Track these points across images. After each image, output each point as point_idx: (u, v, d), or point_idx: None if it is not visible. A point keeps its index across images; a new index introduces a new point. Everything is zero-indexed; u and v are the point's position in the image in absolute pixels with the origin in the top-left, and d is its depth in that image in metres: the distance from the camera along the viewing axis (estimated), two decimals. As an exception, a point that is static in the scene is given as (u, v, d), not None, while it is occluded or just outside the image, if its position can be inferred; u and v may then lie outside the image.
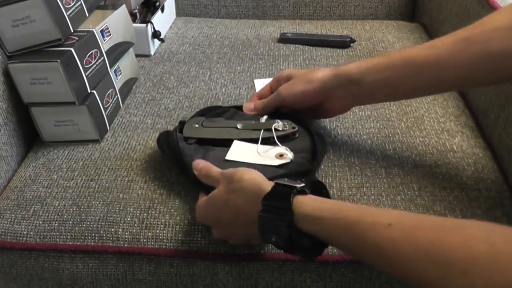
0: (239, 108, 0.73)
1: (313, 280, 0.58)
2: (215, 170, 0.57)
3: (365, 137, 0.71)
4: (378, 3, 1.14)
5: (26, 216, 0.61)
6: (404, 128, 0.73)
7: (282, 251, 0.50)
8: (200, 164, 0.59)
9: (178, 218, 0.60)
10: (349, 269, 0.58)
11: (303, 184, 0.48)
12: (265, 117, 0.68)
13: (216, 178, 0.55)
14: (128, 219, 0.60)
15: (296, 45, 0.97)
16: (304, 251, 0.47)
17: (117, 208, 0.61)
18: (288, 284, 0.59)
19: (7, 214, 0.62)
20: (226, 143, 0.65)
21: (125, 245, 0.59)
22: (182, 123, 0.68)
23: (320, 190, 0.51)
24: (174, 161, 0.64)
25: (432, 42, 0.58)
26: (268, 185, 0.49)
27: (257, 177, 0.52)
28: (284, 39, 0.98)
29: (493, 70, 0.55)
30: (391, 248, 0.39)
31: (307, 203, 0.46)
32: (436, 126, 0.73)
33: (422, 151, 0.68)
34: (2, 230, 0.61)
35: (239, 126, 0.67)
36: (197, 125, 0.67)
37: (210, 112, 0.71)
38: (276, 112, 0.70)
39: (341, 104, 0.66)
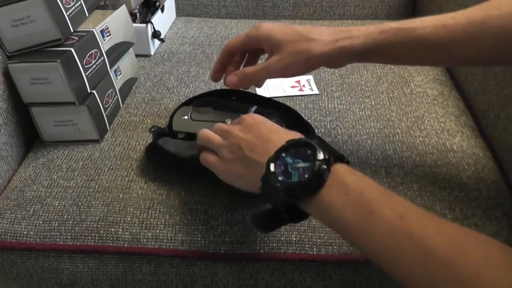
0: (224, 93, 0.72)
1: (313, 280, 0.58)
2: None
3: (365, 137, 0.71)
4: (378, 3, 1.14)
5: (26, 216, 0.61)
6: (404, 128, 0.73)
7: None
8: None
9: (178, 218, 0.60)
10: (349, 269, 0.58)
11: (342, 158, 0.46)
12: (253, 108, 0.68)
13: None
14: (128, 219, 0.60)
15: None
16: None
17: (117, 208, 0.61)
18: (288, 284, 0.59)
19: (7, 214, 0.62)
20: None
21: (125, 245, 0.59)
22: (170, 122, 0.69)
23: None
24: (171, 166, 0.65)
25: (444, 20, 0.55)
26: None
27: None
28: (284, 39, 0.98)
29: (506, 53, 0.54)
30: (394, 240, 0.38)
31: (340, 170, 0.43)
32: (436, 126, 0.73)
33: (422, 151, 0.68)
34: (2, 230, 0.61)
35: (227, 122, 0.67)
36: (186, 117, 0.67)
37: (197, 101, 0.72)
38: (263, 104, 0.70)
39: (338, 66, 0.62)
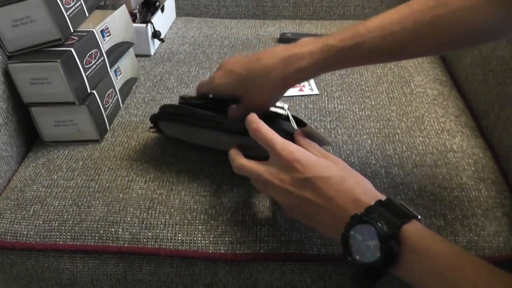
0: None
1: (313, 280, 0.58)
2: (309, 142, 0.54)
3: (365, 137, 0.71)
4: (378, 3, 1.14)
5: (26, 216, 0.61)
6: (404, 128, 0.73)
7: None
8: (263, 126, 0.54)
9: (178, 218, 0.60)
10: (349, 269, 0.58)
11: (418, 217, 0.45)
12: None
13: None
14: (128, 219, 0.60)
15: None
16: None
17: (117, 208, 0.61)
18: (288, 284, 0.59)
19: (7, 214, 0.62)
20: None
21: (125, 245, 0.59)
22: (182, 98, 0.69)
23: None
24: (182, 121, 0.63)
25: (390, 26, 0.52)
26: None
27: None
28: (284, 39, 0.98)
29: (454, 47, 0.57)
30: None
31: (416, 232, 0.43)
32: (436, 126, 0.73)
33: (422, 151, 0.68)
34: (2, 230, 0.61)
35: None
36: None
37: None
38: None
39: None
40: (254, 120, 0.54)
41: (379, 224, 0.43)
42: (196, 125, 0.61)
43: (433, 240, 0.43)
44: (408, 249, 0.42)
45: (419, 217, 0.45)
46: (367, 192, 0.48)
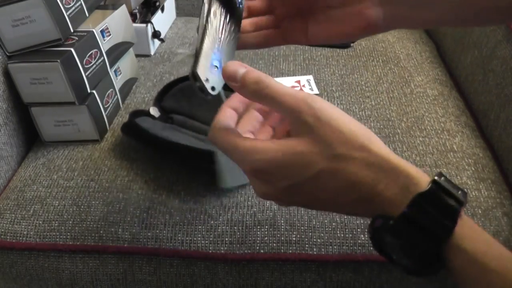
0: None
1: (313, 280, 0.58)
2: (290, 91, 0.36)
3: (365, 137, 0.71)
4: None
5: (26, 216, 0.61)
6: (404, 128, 0.73)
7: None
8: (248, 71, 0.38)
9: (178, 218, 0.60)
10: (349, 269, 0.58)
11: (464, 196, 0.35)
12: None
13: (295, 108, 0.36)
14: (128, 219, 0.60)
15: (296, 45, 0.96)
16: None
17: (117, 208, 0.61)
18: (288, 284, 0.59)
19: (7, 214, 0.62)
20: None
21: (125, 245, 0.59)
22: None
23: None
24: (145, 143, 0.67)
25: None
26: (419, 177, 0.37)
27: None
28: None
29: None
30: None
31: (469, 235, 0.34)
32: (436, 126, 0.73)
33: (422, 151, 0.68)
34: (2, 230, 0.61)
35: None
36: None
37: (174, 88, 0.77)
38: None
39: (373, 13, 0.43)
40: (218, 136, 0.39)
41: (417, 239, 0.34)
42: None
43: (485, 245, 0.34)
44: (457, 264, 0.34)
45: (465, 192, 0.36)
46: (372, 168, 0.35)
